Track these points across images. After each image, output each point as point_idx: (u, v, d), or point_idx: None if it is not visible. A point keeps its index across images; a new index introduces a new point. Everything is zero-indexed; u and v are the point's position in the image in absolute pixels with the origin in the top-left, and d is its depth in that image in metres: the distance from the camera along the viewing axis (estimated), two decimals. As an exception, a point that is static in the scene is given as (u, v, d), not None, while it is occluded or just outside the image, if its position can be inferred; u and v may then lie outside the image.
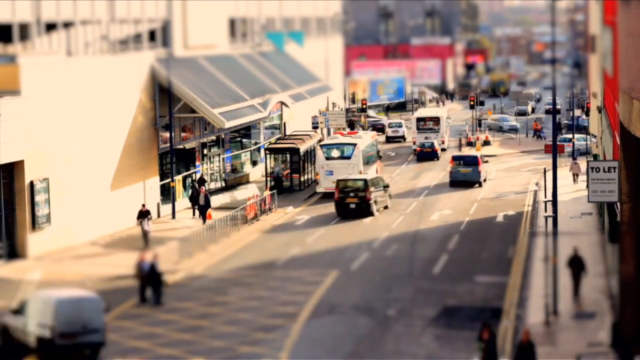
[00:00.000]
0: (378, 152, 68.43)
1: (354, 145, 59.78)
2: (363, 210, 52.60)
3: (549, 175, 47.48)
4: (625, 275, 29.03)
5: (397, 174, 69.80)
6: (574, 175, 61.74)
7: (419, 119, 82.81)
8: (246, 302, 35.76)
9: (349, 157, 59.14)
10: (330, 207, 56.22)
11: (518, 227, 49.00)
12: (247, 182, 65.63)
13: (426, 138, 79.75)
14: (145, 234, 46.31)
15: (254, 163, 68.60)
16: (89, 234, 47.07)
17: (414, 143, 79.97)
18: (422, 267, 40.97)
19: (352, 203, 52.76)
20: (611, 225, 39.39)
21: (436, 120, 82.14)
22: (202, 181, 58.08)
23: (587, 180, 34.55)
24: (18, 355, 29.68)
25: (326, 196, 58.91)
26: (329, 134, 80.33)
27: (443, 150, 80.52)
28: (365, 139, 63.33)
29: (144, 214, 46.75)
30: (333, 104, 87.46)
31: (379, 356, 29.42)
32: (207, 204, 51.82)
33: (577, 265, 34.77)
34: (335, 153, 59.58)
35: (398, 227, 49.94)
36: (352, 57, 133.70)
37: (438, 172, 70.56)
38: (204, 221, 50.40)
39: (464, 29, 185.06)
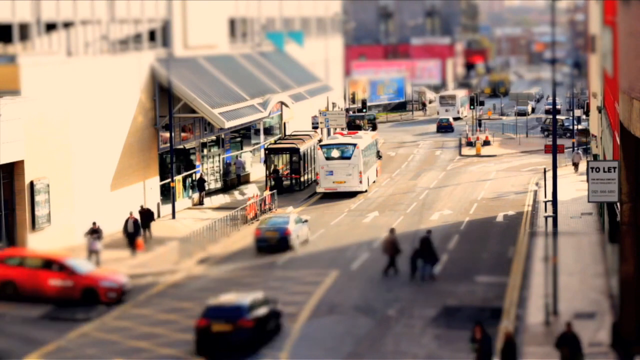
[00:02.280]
0: (378, 152, 69.14)
1: (354, 145, 60.33)
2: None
3: (549, 175, 47.48)
4: (625, 275, 29.03)
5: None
6: (574, 164, 66.44)
7: (441, 97, 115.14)
8: (246, 302, 35.70)
9: (348, 157, 59.71)
10: (330, 207, 56.30)
11: (518, 227, 48.99)
12: (247, 182, 65.63)
13: (447, 110, 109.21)
14: (94, 253, 41.51)
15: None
16: (89, 234, 47.08)
17: (438, 113, 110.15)
18: (422, 267, 40.91)
19: None
20: (611, 225, 39.38)
21: (453, 97, 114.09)
22: (201, 182, 58.10)
23: (587, 180, 34.51)
24: None
25: (326, 196, 59.01)
26: (328, 133, 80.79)
27: (458, 119, 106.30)
28: (366, 139, 63.94)
29: (93, 231, 42.34)
30: (333, 104, 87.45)
31: (379, 356, 29.42)
32: (137, 232, 44.77)
33: (570, 345, 27.14)
34: (335, 153, 60.09)
35: (398, 227, 49.84)
36: (352, 57, 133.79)
37: (438, 172, 70.58)
38: (132, 251, 44.04)
39: (464, 29, 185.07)
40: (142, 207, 47.99)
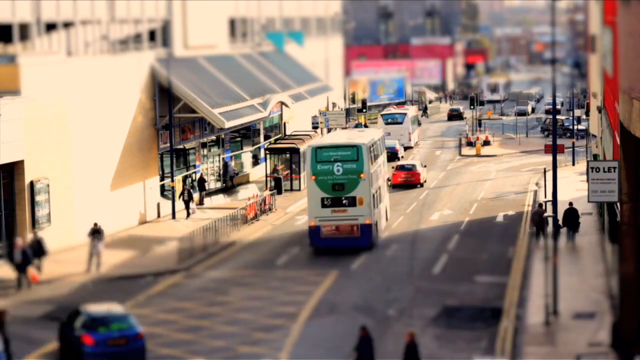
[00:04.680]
0: (418, 121, 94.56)
1: (405, 114, 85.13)
2: None
3: (549, 175, 47.45)
4: (625, 275, 29.02)
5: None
6: None
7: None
8: (246, 302, 35.76)
9: (401, 123, 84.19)
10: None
11: (518, 227, 48.99)
12: (247, 182, 65.64)
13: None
14: (94, 255, 41.43)
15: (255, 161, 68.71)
16: (89, 234, 47.04)
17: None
18: (422, 267, 40.96)
19: None
20: (611, 225, 39.37)
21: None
22: (201, 181, 58.08)
23: (587, 180, 34.52)
24: None
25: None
26: (328, 132, 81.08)
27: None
28: (412, 110, 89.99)
29: (95, 232, 41.88)
30: (333, 104, 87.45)
31: (379, 356, 29.37)
32: (26, 261, 38.21)
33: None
34: (391, 120, 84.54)
35: (398, 227, 49.93)
36: (352, 57, 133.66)
37: (438, 172, 70.58)
38: (19, 285, 38.13)
39: (464, 29, 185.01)
40: (34, 234, 41.23)
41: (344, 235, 43.82)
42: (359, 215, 43.69)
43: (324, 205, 43.73)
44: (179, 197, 54.19)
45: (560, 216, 43.23)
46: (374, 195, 44.82)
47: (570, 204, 45.32)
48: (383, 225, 48.43)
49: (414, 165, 64.40)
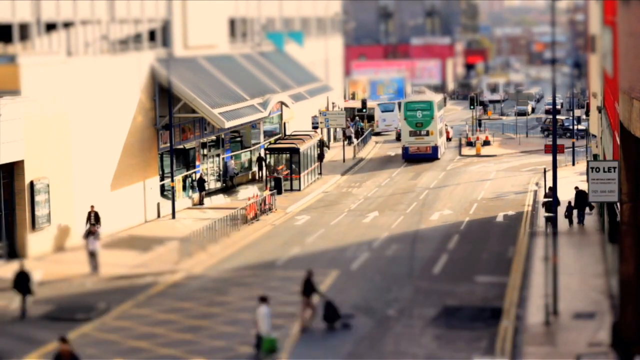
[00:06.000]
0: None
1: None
2: None
3: (549, 175, 47.48)
4: (625, 275, 29.01)
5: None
6: None
7: None
8: (246, 302, 35.74)
9: (392, 110, 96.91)
10: (330, 207, 56.41)
11: (518, 227, 49.00)
12: (247, 182, 65.62)
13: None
14: (92, 254, 40.80)
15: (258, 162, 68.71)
16: (89, 234, 46.99)
17: None
18: (422, 267, 40.97)
19: None
20: (611, 225, 39.37)
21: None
22: (201, 182, 58.09)
23: (587, 181, 34.51)
24: None
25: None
26: (328, 134, 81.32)
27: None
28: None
29: (90, 233, 41.28)
30: (333, 104, 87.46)
31: (379, 356, 29.42)
32: None
33: None
34: (384, 109, 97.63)
35: (398, 227, 49.95)
36: (352, 57, 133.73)
37: (438, 172, 70.63)
38: None
39: (464, 29, 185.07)
40: None
41: (422, 152, 75.00)
42: (431, 141, 74.97)
43: (410, 135, 75.01)
44: (86, 222, 46.00)
45: (560, 213, 43.39)
46: (439, 130, 76.05)
47: (577, 187, 48.19)
48: (442, 151, 78.68)
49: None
